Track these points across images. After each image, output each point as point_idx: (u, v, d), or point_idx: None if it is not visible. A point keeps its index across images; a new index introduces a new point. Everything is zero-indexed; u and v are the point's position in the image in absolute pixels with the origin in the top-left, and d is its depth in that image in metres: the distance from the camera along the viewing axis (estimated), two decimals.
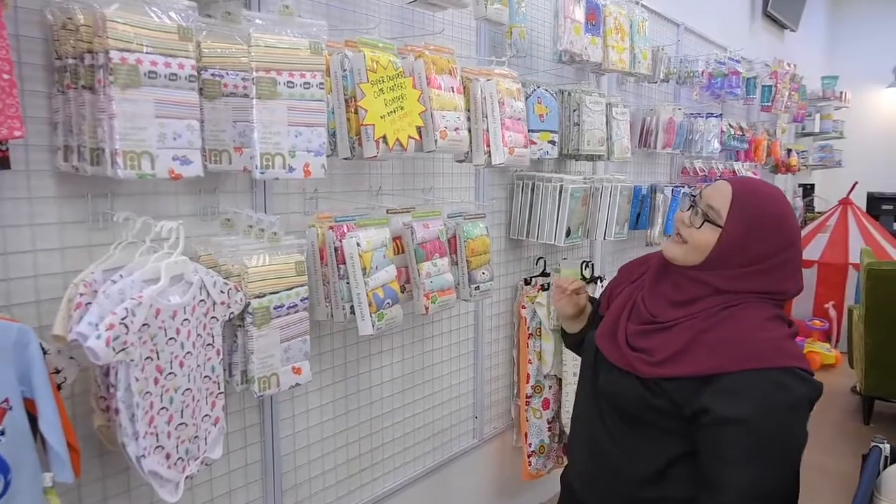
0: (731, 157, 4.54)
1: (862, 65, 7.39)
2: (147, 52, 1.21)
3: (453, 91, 1.88)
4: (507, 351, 2.81)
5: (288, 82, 1.40)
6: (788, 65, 4.98)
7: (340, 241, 1.72)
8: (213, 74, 1.44)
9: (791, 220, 1.22)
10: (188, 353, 1.28)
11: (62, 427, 1.14)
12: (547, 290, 2.73)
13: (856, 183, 6.07)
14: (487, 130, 2.02)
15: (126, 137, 1.18)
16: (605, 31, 2.66)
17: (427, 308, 1.93)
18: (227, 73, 1.48)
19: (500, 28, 2.30)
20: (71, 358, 1.26)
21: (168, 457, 1.26)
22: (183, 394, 1.28)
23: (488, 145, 2.03)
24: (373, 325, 1.71)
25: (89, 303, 1.22)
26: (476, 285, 2.16)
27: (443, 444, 2.51)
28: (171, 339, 1.24)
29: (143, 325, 1.18)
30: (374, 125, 1.60)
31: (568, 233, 2.58)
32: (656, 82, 3.40)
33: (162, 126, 1.23)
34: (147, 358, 1.20)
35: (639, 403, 1.22)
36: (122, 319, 1.13)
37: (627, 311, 1.32)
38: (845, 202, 6.00)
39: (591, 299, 1.64)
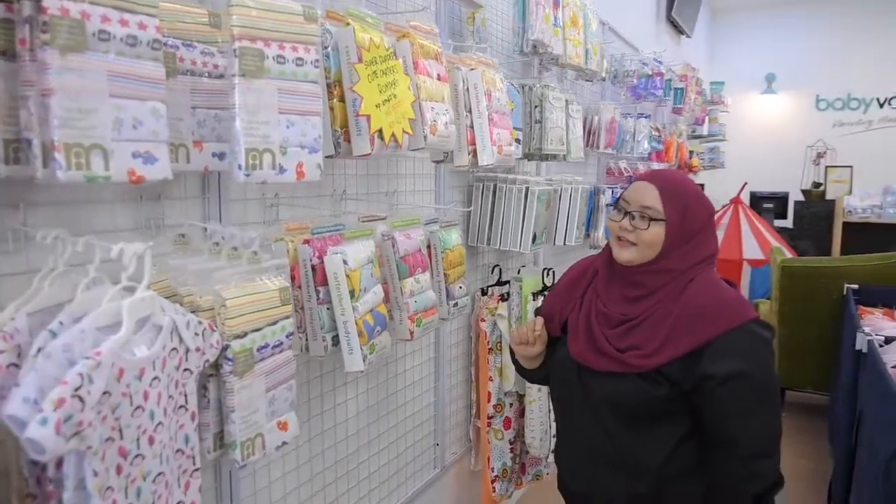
0: (644, 157, 4.58)
1: (739, 72, 7.87)
2: (96, 3, 0.85)
3: (440, 79, 1.62)
4: (466, 369, 2.57)
5: (278, 56, 1.08)
6: (693, 68, 5.13)
7: (320, 258, 1.40)
8: (166, 45, 1.09)
9: (701, 191, 1.38)
10: (159, 423, 0.93)
11: None
12: (507, 300, 2.53)
13: (745, 183, 6.42)
14: (471, 126, 1.77)
15: (68, 123, 0.82)
16: (564, 24, 2.49)
17: (412, 332, 1.65)
18: (183, 45, 1.13)
19: (471, 9, 2.05)
20: None
21: None
22: (154, 481, 0.92)
23: (472, 143, 1.79)
24: (364, 360, 1.41)
25: (13, 364, 0.84)
26: (454, 301, 1.90)
27: (406, 480, 2.23)
28: (137, 407, 0.89)
29: (104, 393, 0.82)
30: (370, 116, 1.30)
31: (534, 238, 2.39)
32: (592, 80, 3.29)
33: (118, 109, 0.88)
34: (108, 439, 0.84)
35: (642, 398, 1.28)
36: (76, 390, 0.77)
37: (596, 321, 1.37)
38: (736, 201, 6.31)
39: None
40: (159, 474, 0.93)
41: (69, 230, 1.01)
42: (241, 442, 1.11)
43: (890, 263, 3.96)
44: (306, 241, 1.41)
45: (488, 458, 2.52)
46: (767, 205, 7.12)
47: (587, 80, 3.36)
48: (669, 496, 1.32)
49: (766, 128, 7.95)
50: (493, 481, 2.52)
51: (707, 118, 6.89)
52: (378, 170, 1.93)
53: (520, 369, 1.60)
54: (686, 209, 1.32)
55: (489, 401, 2.50)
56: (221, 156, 1.23)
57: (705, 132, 6.96)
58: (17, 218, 1.03)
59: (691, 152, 5.70)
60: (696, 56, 7.03)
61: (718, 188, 7.26)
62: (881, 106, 7.50)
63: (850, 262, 4.02)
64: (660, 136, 4.50)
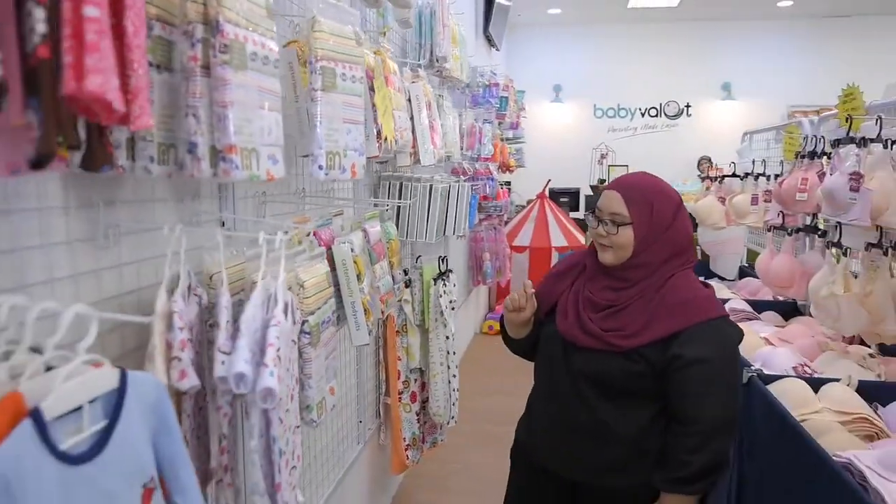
0: (487, 157, 5.11)
1: (533, 82, 8.89)
2: (244, 27, 1.00)
3: (398, 91, 1.87)
4: (374, 353, 2.81)
5: (342, 74, 1.27)
6: (511, 80, 5.81)
7: (326, 247, 1.58)
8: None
9: (664, 183, 1.55)
10: (296, 383, 1.10)
11: None
12: (409, 286, 2.81)
13: (549, 180, 7.35)
14: (413, 132, 2.04)
15: (241, 130, 0.97)
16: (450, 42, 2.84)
17: (384, 312, 1.88)
18: None
19: (406, 29, 2.30)
20: None
21: None
22: (293, 432, 1.09)
23: (413, 147, 2.06)
24: (369, 333, 1.62)
25: (189, 340, 0.97)
26: (398, 285, 2.15)
27: (340, 458, 2.42)
28: (287, 369, 1.05)
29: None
30: (382, 124, 1.53)
31: (436, 230, 2.70)
32: (454, 89, 3.70)
33: (261, 118, 1.03)
34: None
35: (621, 374, 1.46)
36: (277, 351, 0.94)
37: (583, 305, 1.54)
38: (541, 196, 7.21)
39: None
40: (297, 427, 1.10)
41: (142, 224, 1.13)
42: (315, 404, 1.29)
43: None
44: (313, 233, 1.58)
45: (400, 430, 2.79)
46: (563, 199, 8.18)
47: (448, 89, 3.76)
48: (636, 467, 1.47)
49: (557, 132, 9.10)
50: (406, 449, 2.79)
51: (518, 123, 7.73)
52: None
53: (507, 340, 1.74)
54: (652, 207, 1.47)
55: (399, 378, 2.77)
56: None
57: (510, 135, 7.81)
58: (114, 215, 1.11)
59: (510, 153, 6.41)
60: (501, 67, 7.85)
61: (523, 185, 8.19)
62: (643, 115, 9.03)
63: None
64: (492, 139, 5.07)
